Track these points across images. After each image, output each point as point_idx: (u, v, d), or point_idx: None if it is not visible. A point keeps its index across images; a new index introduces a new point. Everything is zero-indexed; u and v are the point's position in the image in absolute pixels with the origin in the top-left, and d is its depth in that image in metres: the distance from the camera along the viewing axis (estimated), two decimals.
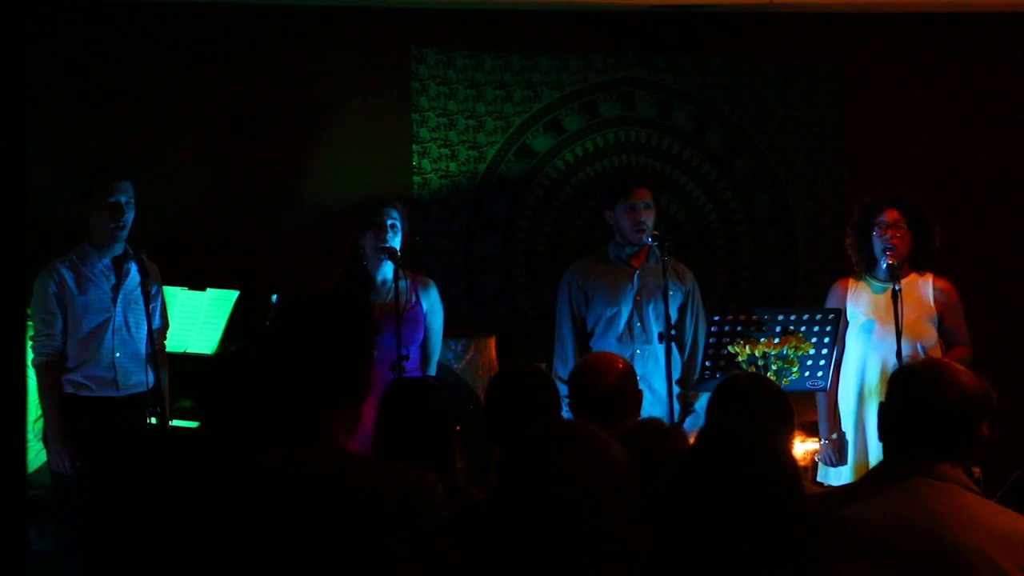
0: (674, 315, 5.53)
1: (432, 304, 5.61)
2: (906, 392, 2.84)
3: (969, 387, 2.81)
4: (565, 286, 5.70)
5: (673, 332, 5.43)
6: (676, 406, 5.45)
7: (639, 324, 5.58)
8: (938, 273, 5.63)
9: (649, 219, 5.60)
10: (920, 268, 5.60)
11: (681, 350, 5.62)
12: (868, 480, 2.91)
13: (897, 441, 2.83)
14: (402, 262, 5.48)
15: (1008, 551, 2.63)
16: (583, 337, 5.64)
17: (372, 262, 5.57)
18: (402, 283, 5.45)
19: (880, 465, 2.89)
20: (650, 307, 5.58)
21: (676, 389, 5.49)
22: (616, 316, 5.59)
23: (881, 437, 2.89)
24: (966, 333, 5.60)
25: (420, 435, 3.57)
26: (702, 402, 5.49)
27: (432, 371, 5.61)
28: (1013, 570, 2.62)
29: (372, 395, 3.72)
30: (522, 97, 7.17)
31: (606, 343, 5.54)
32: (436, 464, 3.42)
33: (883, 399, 2.93)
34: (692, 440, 3.95)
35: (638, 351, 5.54)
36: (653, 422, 3.65)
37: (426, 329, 5.57)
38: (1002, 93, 7.41)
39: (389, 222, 5.52)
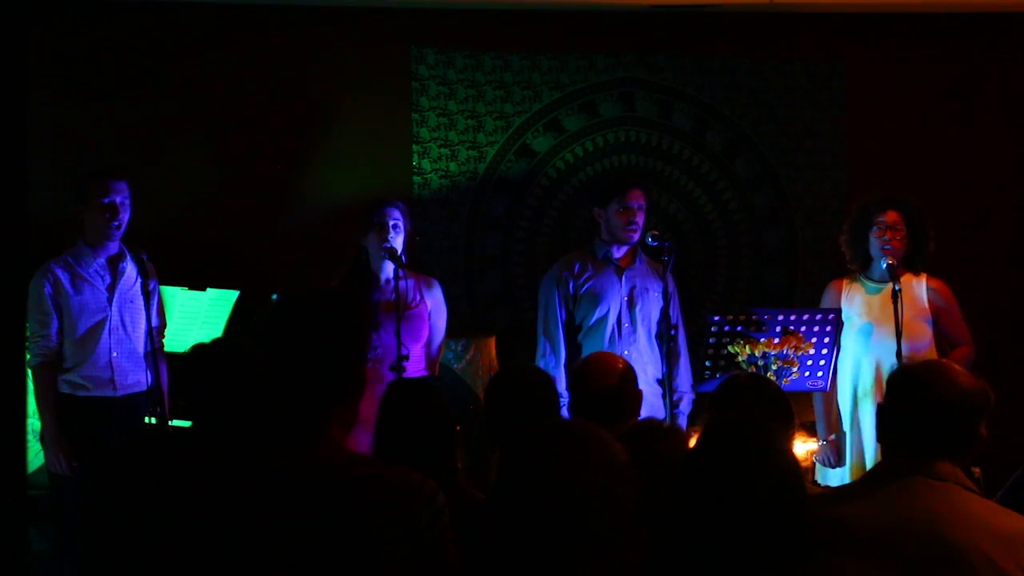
0: (657, 315, 5.54)
1: (436, 304, 5.62)
2: (905, 392, 2.84)
3: (967, 387, 2.81)
4: (552, 281, 5.70)
5: (673, 333, 5.44)
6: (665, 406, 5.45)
7: (628, 324, 5.59)
8: (935, 273, 5.63)
9: (642, 221, 5.63)
10: (914, 269, 5.60)
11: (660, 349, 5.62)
12: (868, 480, 2.92)
13: (896, 441, 2.84)
14: (404, 261, 5.48)
15: (1008, 551, 2.63)
16: (571, 333, 5.65)
17: (375, 261, 5.59)
18: (403, 282, 5.46)
19: (879, 465, 2.89)
20: (638, 307, 5.60)
21: (659, 389, 5.49)
22: (605, 316, 5.59)
23: (880, 438, 2.90)
24: (967, 332, 5.60)
25: (420, 435, 3.57)
26: (686, 404, 5.52)
27: (435, 370, 5.62)
28: (1013, 570, 2.62)
29: (374, 394, 3.71)
30: (522, 97, 7.17)
31: (594, 342, 5.54)
32: (436, 464, 3.42)
33: (881, 400, 2.93)
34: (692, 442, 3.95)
35: (626, 351, 5.54)
36: (653, 422, 3.65)
37: (429, 328, 5.59)
38: (1002, 93, 7.41)
39: (391, 222, 5.53)
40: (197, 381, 3.66)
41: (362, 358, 2.62)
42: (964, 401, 2.80)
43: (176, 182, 6.78)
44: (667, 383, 5.49)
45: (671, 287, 5.57)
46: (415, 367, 5.46)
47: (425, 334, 5.57)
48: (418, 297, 5.56)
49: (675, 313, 5.61)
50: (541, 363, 5.57)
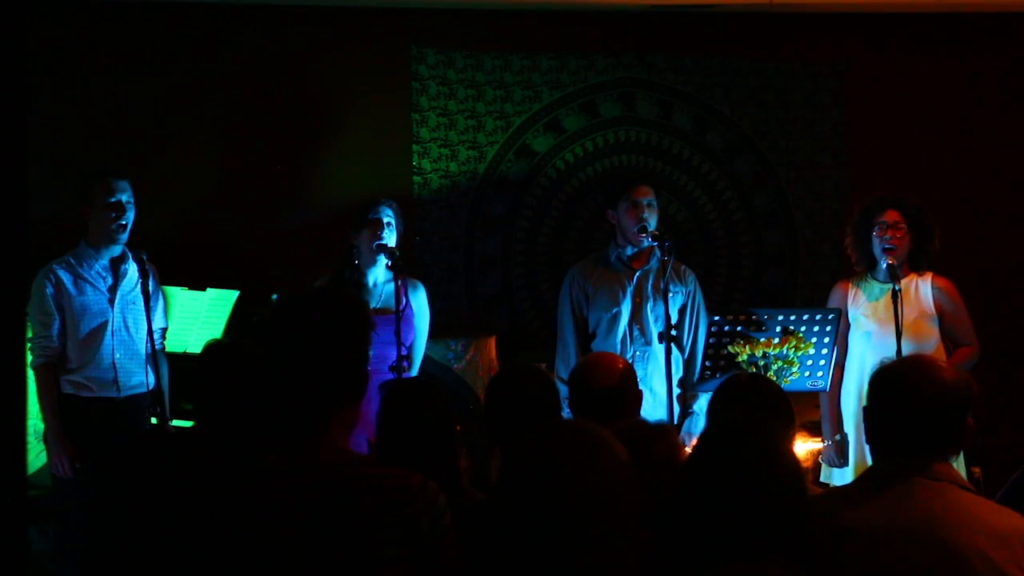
0: (674, 316, 5.51)
1: (420, 305, 5.58)
2: (889, 393, 2.82)
3: (950, 381, 2.80)
4: (566, 287, 5.70)
5: (674, 333, 5.41)
6: (676, 408, 5.44)
7: (638, 326, 5.58)
8: (938, 272, 5.63)
9: (652, 217, 5.59)
10: (919, 269, 5.60)
11: (681, 351, 5.61)
12: (864, 482, 2.90)
13: (887, 443, 2.82)
14: (399, 261, 5.45)
15: (1006, 550, 2.63)
16: (585, 338, 5.64)
17: (366, 261, 5.55)
18: (391, 285, 5.43)
19: (874, 467, 2.88)
20: (648, 308, 5.58)
21: (676, 390, 5.48)
22: (616, 318, 5.58)
23: (869, 440, 2.88)
24: (971, 332, 5.59)
25: (420, 435, 3.57)
26: (701, 404, 5.49)
27: (415, 372, 5.57)
28: (1012, 569, 2.62)
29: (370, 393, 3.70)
30: (522, 97, 7.17)
31: (607, 345, 5.53)
32: (437, 464, 3.42)
33: (864, 403, 2.91)
34: (693, 442, 3.95)
35: (638, 353, 5.53)
36: (642, 423, 3.63)
37: (413, 330, 5.54)
38: (1002, 93, 7.41)
39: (385, 220, 5.51)
40: (207, 379, 3.67)
41: (363, 359, 2.62)
42: (951, 397, 2.78)
43: (176, 182, 6.78)
44: (685, 384, 5.48)
45: (676, 287, 5.57)
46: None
47: (412, 336, 5.53)
48: (404, 299, 5.51)
49: (696, 313, 5.61)
50: (558, 367, 5.57)
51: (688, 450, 5.07)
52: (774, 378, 4.93)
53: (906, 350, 5.31)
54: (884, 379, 2.86)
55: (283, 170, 6.92)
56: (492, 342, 6.64)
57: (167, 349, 5.68)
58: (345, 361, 2.59)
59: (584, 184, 7.22)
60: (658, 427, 3.55)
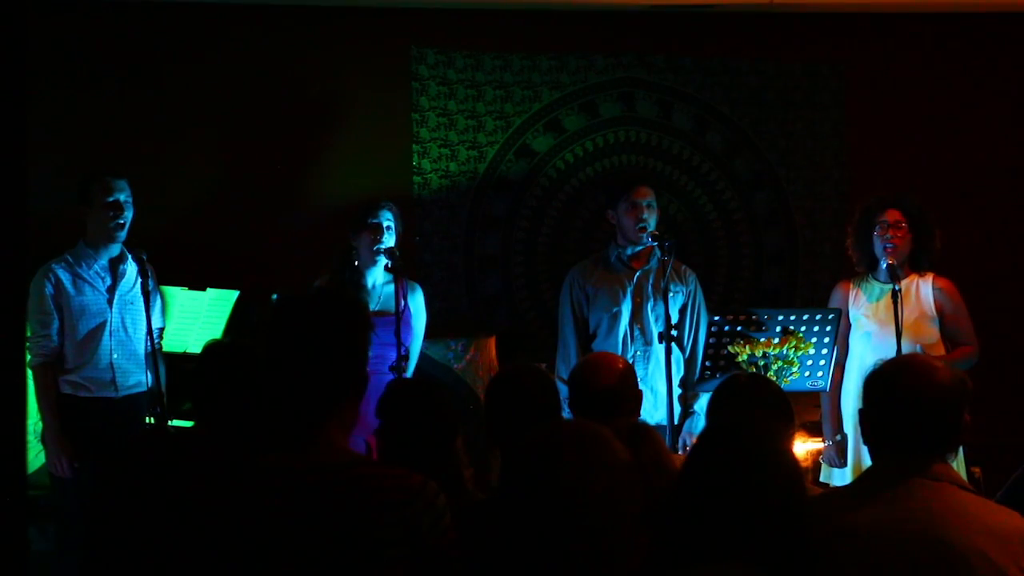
0: (675, 316, 5.51)
1: (417, 307, 5.60)
2: (883, 394, 2.82)
3: (944, 380, 2.79)
4: (567, 287, 5.70)
5: (674, 332, 5.41)
6: (677, 407, 5.44)
7: (639, 326, 5.58)
8: (939, 273, 5.63)
9: (652, 217, 5.59)
10: (920, 269, 5.60)
11: (682, 351, 5.61)
12: (863, 482, 2.90)
13: (884, 444, 2.81)
14: (400, 263, 5.46)
15: (1005, 549, 2.63)
16: (585, 338, 5.64)
17: (365, 263, 5.56)
18: (390, 287, 5.45)
19: (873, 467, 2.88)
20: (648, 308, 5.58)
21: (677, 390, 5.48)
22: (616, 318, 5.58)
23: (866, 441, 2.88)
24: (971, 332, 5.59)
25: (421, 434, 3.57)
26: (701, 403, 5.49)
27: (410, 374, 5.57)
28: (1011, 568, 2.62)
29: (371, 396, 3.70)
30: (522, 97, 7.17)
31: (607, 345, 5.53)
32: (438, 463, 3.42)
33: (860, 405, 2.91)
34: (693, 441, 3.95)
35: (639, 352, 5.53)
36: (623, 425, 3.61)
37: (410, 332, 5.54)
38: (1002, 93, 7.41)
39: (385, 223, 5.53)
40: (207, 379, 3.67)
41: (362, 359, 2.62)
42: (945, 395, 2.77)
43: (176, 182, 6.78)
44: (686, 383, 5.48)
45: (677, 287, 5.56)
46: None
47: (409, 338, 5.52)
48: (403, 302, 5.50)
49: (697, 312, 5.60)
50: (558, 367, 5.56)
51: (683, 450, 5.08)
52: (774, 378, 4.93)
53: (906, 351, 5.31)
54: (878, 380, 2.86)
55: (283, 170, 6.92)
56: (492, 342, 6.64)
57: (166, 349, 5.68)
58: (344, 361, 2.59)
59: (584, 184, 7.22)
60: (640, 427, 3.52)
